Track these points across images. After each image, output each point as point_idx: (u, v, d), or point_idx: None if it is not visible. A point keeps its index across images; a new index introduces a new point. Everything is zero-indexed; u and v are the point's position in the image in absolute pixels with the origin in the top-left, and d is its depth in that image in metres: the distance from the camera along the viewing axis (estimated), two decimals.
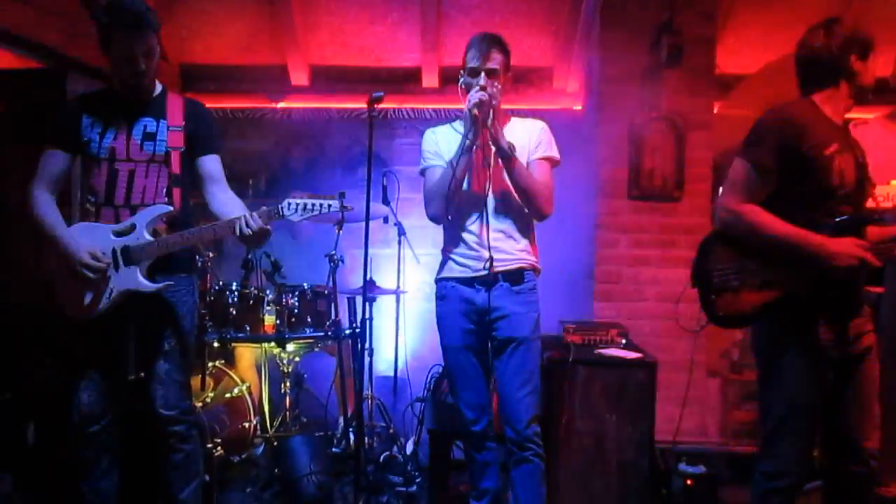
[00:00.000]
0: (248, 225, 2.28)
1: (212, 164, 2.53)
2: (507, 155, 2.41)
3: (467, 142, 2.42)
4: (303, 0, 4.31)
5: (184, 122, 2.48)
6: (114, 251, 2.38)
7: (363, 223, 2.82)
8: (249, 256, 3.43)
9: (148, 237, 2.38)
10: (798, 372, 2.16)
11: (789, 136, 2.13)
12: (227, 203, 2.48)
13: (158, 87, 2.52)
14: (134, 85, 2.40)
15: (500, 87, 2.45)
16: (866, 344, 2.21)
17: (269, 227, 2.32)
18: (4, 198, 3.34)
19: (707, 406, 3.97)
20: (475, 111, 2.37)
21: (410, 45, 4.56)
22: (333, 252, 3.44)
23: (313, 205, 2.31)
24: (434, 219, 2.56)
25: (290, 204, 2.31)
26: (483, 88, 2.40)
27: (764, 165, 2.15)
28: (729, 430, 4.02)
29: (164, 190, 2.46)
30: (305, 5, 4.34)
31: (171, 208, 2.43)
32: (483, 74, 2.44)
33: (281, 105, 4.76)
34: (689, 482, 3.21)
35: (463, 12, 4.34)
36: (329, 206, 2.32)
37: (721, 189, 2.28)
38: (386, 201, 3.59)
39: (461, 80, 2.54)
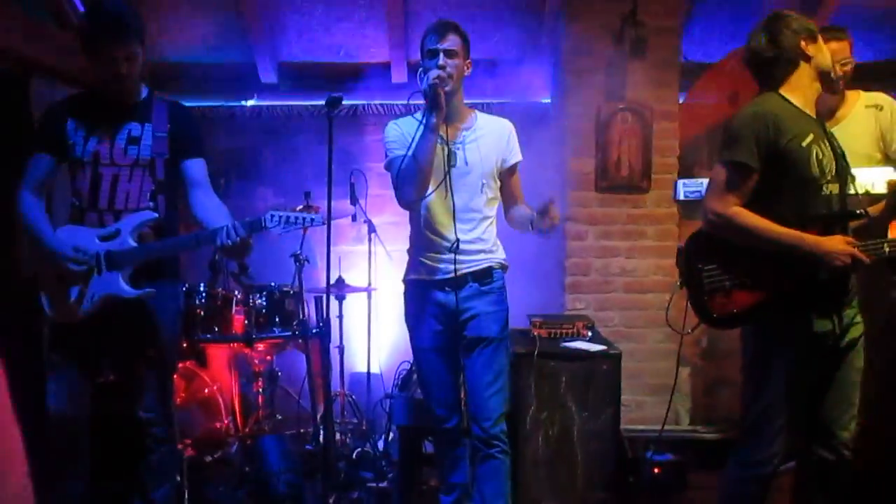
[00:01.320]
0: (229, 236, 2.27)
1: (196, 169, 2.52)
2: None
3: (433, 121, 2.35)
4: None
5: (168, 126, 2.46)
6: (97, 255, 2.37)
7: (333, 222, 2.82)
8: (217, 257, 3.43)
9: (132, 243, 2.38)
10: (783, 370, 2.17)
11: (765, 132, 2.11)
12: (211, 209, 2.47)
13: (144, 91, 2.50)
14: (116, 90, 2.40)
15: (458, 66, 2.43)
16: (854, 335, 2.22)
17: (251, 239, 2.32)
18: None
19: (677, 393, 4.01)
20: (436, 86, 2.32)
21: (378, 41, 4.55)
22: (299, 252, 3.45)
23: (296, 217, 2.31)
24: (409, 204, 2.50)
25: (272, 216, 2.30)
26: (442, 67, 2.37)
27: (744, 164, 2.13)
28: (699, 416, 4.07)
29: (149, 195, 2.45)
30: (272, 4, 4.32)
31: (157, 215, 2.43)
32: (441, 54, 2.41)
33: (250, 103, 4.75)
34: (656, 470, 3.27)
35: (429, 7, 4.32)
36: (312, 220, 2.33)
37: (705, 194, 2.27)
38: (354, 200, 3.58)
39: (420, 68, 2.47)
